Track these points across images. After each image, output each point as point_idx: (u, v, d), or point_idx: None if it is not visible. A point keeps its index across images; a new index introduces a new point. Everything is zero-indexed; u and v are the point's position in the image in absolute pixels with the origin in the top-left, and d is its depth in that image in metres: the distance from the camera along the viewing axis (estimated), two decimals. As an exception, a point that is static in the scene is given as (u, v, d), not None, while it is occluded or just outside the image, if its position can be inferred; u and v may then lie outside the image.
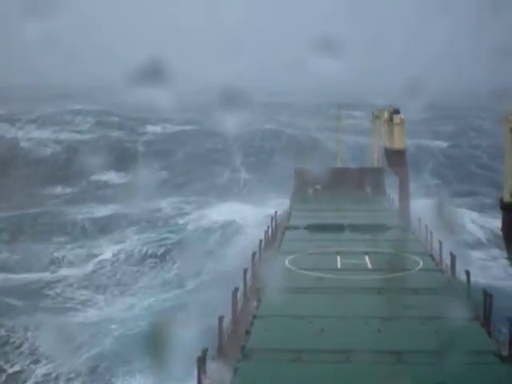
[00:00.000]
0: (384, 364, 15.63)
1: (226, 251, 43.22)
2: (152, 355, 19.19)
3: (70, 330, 28.81)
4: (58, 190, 72.91)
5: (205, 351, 14.74)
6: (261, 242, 28.45)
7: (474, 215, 52.23)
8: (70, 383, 25.95)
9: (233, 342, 17.41)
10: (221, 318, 17.32)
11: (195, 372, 14.68)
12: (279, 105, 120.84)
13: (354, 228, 33.05)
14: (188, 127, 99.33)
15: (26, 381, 26.45)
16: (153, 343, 18.64)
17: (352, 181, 45.93)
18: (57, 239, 49.08)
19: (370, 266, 25.33)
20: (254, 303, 20.55)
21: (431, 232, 28.98)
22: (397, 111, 40.89)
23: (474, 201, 60.79)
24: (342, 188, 43.88)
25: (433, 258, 26.15)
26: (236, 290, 19.87)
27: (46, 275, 41.09)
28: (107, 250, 45.24)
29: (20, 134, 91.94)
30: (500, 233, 37.34)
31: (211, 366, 15.25)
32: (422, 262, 25.40)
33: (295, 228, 33.63)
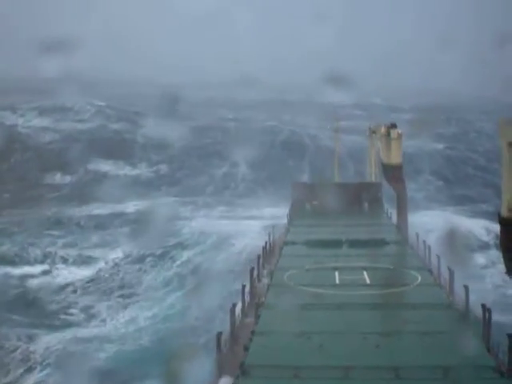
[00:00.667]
0: (383, 380, 15.58)
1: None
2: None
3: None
4: (57, 177, 73.53)
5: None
6: (259, 257, 28.41)
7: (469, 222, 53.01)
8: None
9: (231, 359, 17.35)
10: (219, 335, 17.27)
11: None
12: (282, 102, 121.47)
13: (352, 243, 33.02)
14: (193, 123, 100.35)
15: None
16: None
17: (349, 196, 45.94)
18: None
19: (368, 281, 25.29)
20: (253, 319, 20.51)
21: (429, 246, 28.99)
22: (394, 126, 40.96)
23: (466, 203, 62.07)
24: (339, 203, 43.90)
25: (431, 273, 26.13)
26: (234, 305, 19.84)
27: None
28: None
29: (20, 121, 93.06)
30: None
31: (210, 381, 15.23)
32: (420, 277, 25.38)
33: (293, 243, 33.59)
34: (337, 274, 26.20)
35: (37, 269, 41.94)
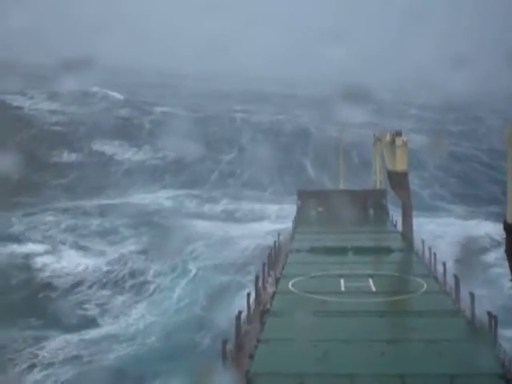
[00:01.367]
0: None
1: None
2: None
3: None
4: (64, 156, 74.03)
5: None
6: (264, 264, 28.42)
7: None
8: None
9: (237, 367, 17.32)
10: (224, 342, 17.27)
11: None
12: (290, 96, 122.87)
13: (358, 250, 32.97)
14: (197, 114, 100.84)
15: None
16: None
17: (355, 203, 45.89)
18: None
19: (373, 288, 25.24)
20: (258, 327, 20.48)
21: (435, 254, 28.92)
22: (399, 133, 40.91)
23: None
24: (344, 210, 43.86)
25: (437, 281, 26.06)
26: (239, 313, 19.84)
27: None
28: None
29: (28, 103, 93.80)
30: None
31: None
32: (425, 285, 25.31)
33: (298, 251, 33.56)
34: (342, 281, 26.16)
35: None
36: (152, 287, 39.77)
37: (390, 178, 43.40)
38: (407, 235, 37.82)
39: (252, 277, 36.68)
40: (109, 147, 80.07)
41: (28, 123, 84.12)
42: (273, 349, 18.30)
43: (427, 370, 16.43)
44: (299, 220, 44.17)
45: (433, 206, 63.61)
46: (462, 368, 16.21)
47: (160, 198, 64.32)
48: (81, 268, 42.59)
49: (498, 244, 45.92)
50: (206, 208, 61.49)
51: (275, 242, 34.64)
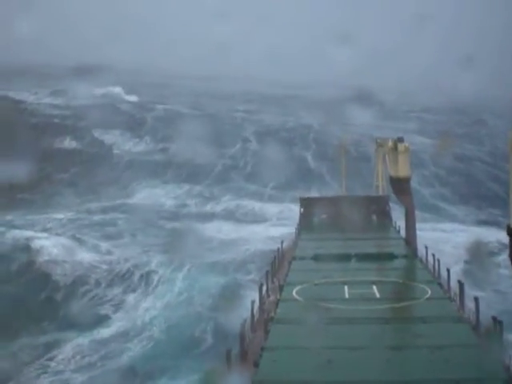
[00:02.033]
0: None
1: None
2: None
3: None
4: (66, 143, 74.88)
5: None
6: (267, 272, 28.40)
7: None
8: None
9: (241, 375, 17.27)
10: (229, 351, 17.25)
11: None
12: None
13: (361, 257, 32.91)
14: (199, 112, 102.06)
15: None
16: None
17: (358, 209, 45.89)
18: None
19: (377, 295, 25.18)
20: (262, 335, 20.45)
21: (438, 260, 28.87)
22: (401, 139, 40.93)
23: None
24: (347, 217, 43.85)
25: (441, 287, 26.00)
26: (244, 321, 19.81)
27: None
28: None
29: (31, 98, 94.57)
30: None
31: None
32: (430, 291, 25.24)
33: (302, 258, 33.51)
34: (346, 288, 26.10)
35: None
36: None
37: (392, 184, 43.41)
38: (410, 241, 37.78)
39: (251, 277, 37.80)
40: (110, 136, 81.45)
41: (30, 114, 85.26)
42: (277, 357, 18.26)
43: (432, 376, 16.37)
44: (302, 227, 44.15)
45: (433, 206, 63.99)
46: (467, 374, 16.15)
47: (162, 196, 64.73)
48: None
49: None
50: (209, 207, 62.06)
51: (278, 249, 34.63)
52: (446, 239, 51.07)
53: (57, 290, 39.83)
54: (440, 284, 26.38)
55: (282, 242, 36.38)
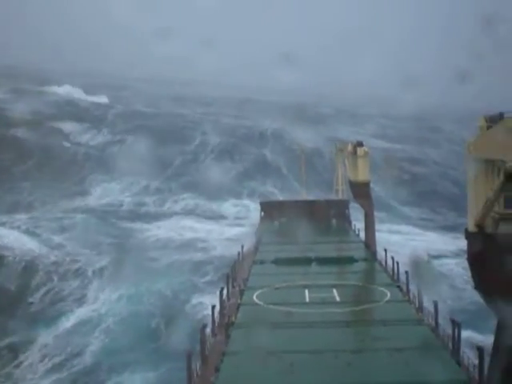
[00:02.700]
0: None
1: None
2: None
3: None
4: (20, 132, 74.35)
5: None
6: (228, 276, 28.19)
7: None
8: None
9: (202, 380, 17.04)
10: (189, 356, 16.96)
11: None
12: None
13: (321, 261, 33.00)
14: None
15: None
16: None
17: (317, 213, 46.13)
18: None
19: (338, 298, 25.24)
20: (223, 339, 20.23)
21: (397, 263, 29.13)
22: (360, 144, 41.29)
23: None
24: (307, 220, 43.96)
25: (400, 289, 26.23)
26: (204, 326, 19.55)
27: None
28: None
29: None
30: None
31: None
32: (389, 294, 25.44)
33: (262, 262, 33.41)
34: (306, 292, 26.10)
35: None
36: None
37: (352, 188, 43.73)
38: (370, 244, 38.09)
39: (207, 278, 37.71)
40: (68, 126, 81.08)
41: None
42: (238, 361, 18.07)
43: (393, 378, 16.45)
44: (262, 231, 44.06)
45: (387, 205, 65.21)
46: (427, 376, 16.26)
47: (120, 194, 64.40)
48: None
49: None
50: (166, 207, 62.15)
51: (239, 253, 34.44)
52: (402, 243, 51.91)
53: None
54: (399, 287, 26.62)
55: (242, 247, 36.19)
